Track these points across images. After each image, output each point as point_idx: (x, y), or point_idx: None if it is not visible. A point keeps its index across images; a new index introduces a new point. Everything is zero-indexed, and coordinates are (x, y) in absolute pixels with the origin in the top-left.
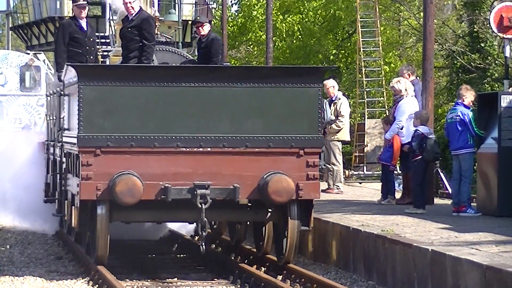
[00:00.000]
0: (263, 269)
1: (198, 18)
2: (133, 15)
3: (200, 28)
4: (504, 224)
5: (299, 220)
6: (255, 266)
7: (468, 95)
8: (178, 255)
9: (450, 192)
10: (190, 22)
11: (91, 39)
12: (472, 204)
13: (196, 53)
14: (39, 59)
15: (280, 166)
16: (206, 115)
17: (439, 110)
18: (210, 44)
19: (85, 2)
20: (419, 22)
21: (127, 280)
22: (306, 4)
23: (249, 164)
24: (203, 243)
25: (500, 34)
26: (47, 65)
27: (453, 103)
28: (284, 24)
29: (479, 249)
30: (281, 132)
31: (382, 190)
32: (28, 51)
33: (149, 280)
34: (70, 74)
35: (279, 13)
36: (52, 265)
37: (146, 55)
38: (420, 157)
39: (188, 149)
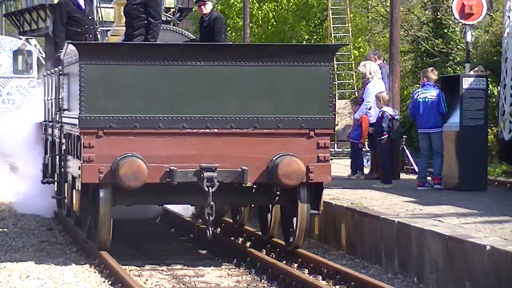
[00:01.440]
0: (264, 251)
1: None
2: None
3: (202, 6)
4: (464, 197)
5: (309, 204)
6: (258, 249)
7: (435, 77)
8: (180, 238)
9: (417, 168)
10: (172, 10)
11: (90, 18)
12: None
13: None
14: (30, 44)
15: (290, 148)
16: (213, 95)
17: (405, 91)
18: (213, 23)
19: None
20: (386, 9)
21: (125, 262)
22: None
23: (257, 145)
24: (210, 228)
25: (461, 21)
26: (38, 49)
27: (418, 85)
28: (260, 12)
29: (442, 221)
30: (290, 112)
31: (352, 166)
32: (21, 37)
33: (152, 265)
34: (70, 53)
35: (255, 1)
36: (43, 236)
37: (153, 33)
38: (386, 136)
39: (194, 130)
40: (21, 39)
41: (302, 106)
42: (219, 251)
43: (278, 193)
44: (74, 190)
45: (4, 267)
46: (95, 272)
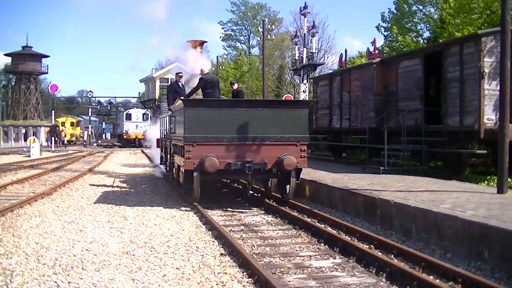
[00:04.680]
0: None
1: (232, 80)
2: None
3: (232, 85)
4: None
5: (295, 178)
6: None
7: None
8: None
9: None
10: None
11: (184, 91)
12: None
13: None
14: (148, 111)
15: (288, 151)
16: (250, 124)
17: None
18: (237, 94)
19: (181, 73)
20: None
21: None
22: None
23: (272, 150)
24: (248, 191)
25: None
26: (150, 113)
27: None
28: None
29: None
30: (288, 133)
31: None
32: (145, 109)
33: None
34: (178, 105)
35: None
36: (154, 181)
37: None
38: None
39: (241, 142)
40: (144, 109)
41: (294, 130)
42: (250, 201)
43: (278, 173)
44: (179, 172)
45: (139, 198)
46: (182, 200)
